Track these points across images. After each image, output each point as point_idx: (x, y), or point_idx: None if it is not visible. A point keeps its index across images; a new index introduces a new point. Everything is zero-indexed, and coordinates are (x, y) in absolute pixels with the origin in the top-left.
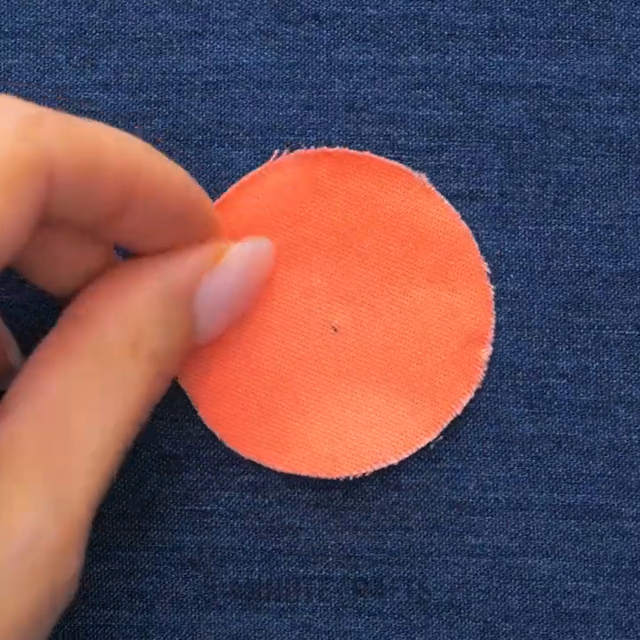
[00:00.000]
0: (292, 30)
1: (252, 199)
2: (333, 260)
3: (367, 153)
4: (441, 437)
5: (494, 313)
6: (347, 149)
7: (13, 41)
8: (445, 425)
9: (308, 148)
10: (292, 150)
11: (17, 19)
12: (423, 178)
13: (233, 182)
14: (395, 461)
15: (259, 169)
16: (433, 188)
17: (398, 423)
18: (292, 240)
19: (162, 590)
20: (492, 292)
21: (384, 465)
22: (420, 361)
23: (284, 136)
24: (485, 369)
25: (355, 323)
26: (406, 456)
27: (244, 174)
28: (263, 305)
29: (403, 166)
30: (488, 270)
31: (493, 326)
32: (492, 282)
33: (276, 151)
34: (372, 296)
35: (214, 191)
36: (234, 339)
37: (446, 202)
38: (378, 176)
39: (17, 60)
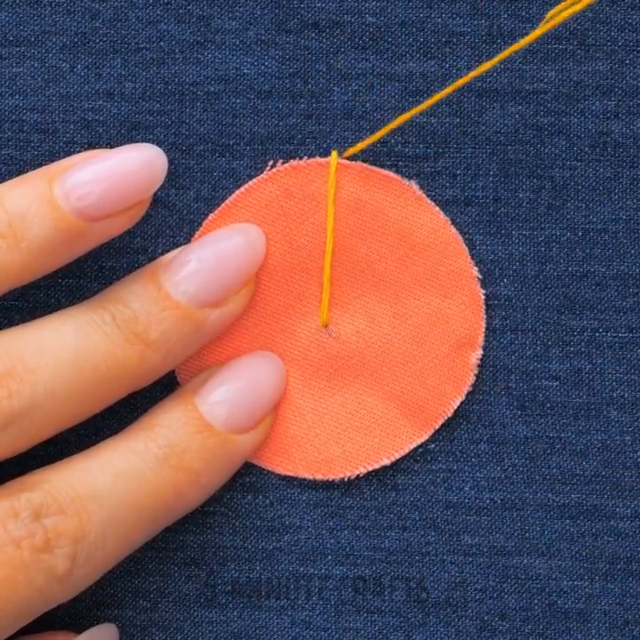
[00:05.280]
0: (292, 39)
1: (248, 210)
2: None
3: (359, 162)
4: (432, 440)
5: (486, 317)
6: (339, 159)
7: (18, 50)
8: (437, 427)
9: (308, 157)
10: (285, 161)
11: (21, 27)
12: (414, 185)
13: (234, 192)
14: (388, 462)
15: (253, 180)
16: (424, 195)
17: (391, 425)
18: (288, 248)
19: (165, 589)
20: (483, 297)
21: (377, 466)
22: (413, 364)
23: (283, 145)
24: (476, 372)
25: (349, 328)
26: (399, 457)
27: (244, 184)
28: (260, 310)
29: (394, 174)
30: (479, 275)
31: (484, 330)
32: (485, 286)
33: (270, 162)
34: (366, 302)
35: (215, 201)
36: (231, 344)
37: (437, 208)
38: (369, 185)
39: (21, 69)
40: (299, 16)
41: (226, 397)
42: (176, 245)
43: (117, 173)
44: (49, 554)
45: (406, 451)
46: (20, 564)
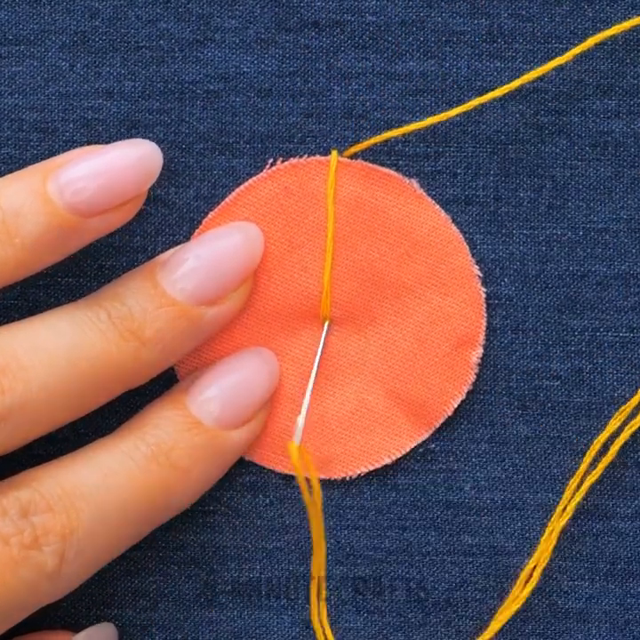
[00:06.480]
0: (292, 38)
1: (248, 208)
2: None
3: (359, 161)
4: (433, 439)
5: (487, 316)
6: (339, 157)
7: (17, 48)
8: (437, 426)
9: (308, 155)
10: (285, 160)
11: (21, 26)
12: (414, 184)
13: (234, 190)
14: (388, 461)
15: (253, 178)
16: (424, 194)
17: (392, 424)
18: (288, 247)
19: (165, 589)
20: (484, 295)
21: (378, 465)
22: (413, 363)
23: (283, 144)
24: (476, 371)
25: (349, 326)
26: (399, 456)
27: (244, 182)
28: (260, 309)
29: (394, 173)
30: (479, 274)
31: (484, 329)
32: (486, 285)
33: (270, 160)
34: (366, 300)
35: (215, 199)
36: (231, 342)
37: (437, 206)
38: (370, 183)
39: (21, 68)
40: (299, 15)
41: (215, 394)
42: (175, 244)
43: (112, 169)
44: (37, 551)
45: (407, 449)
46: (9, 560)
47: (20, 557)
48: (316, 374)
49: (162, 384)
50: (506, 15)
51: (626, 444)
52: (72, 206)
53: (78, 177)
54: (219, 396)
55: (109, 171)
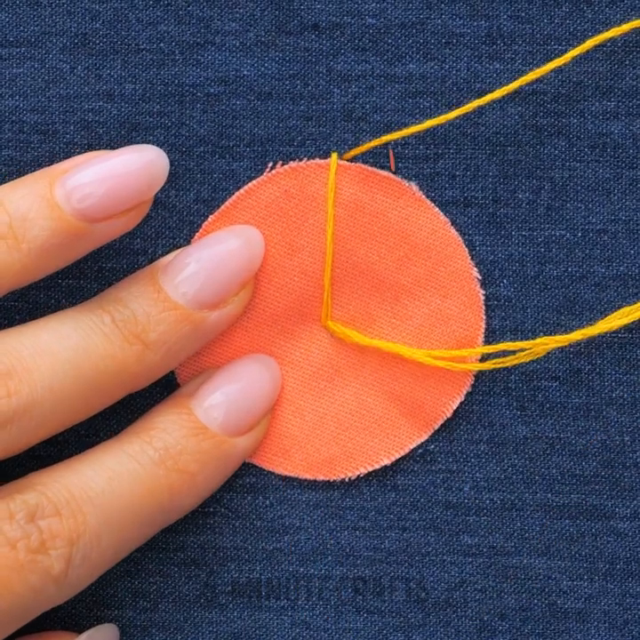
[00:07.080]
0: (292, 41)
1: (248, 211)
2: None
3: (359, 164)
4: (432, 440)
5: (486, 317)
6: (339, 160)
7: (18, 50)
8: (436, 427)
9: (308, 158)
10: (285, 163)
11: (22, 28)
12: (414, 186)
13: (234, 193)
14: (388, 462)
15: (253, 182)
16: (423, 196)
17: (391, 425)
18: (288, 250)
19: (165, 590)
20: (483, 298)
21: (377, 466)
22: (412, 365)
23: (283, 147)
24: (475, 373)
25: (349, 328)
26: (398, 457)
27: (244, 185)
28: (260, 312)
29: (394, 175)
30: (478, 276)
31: (484, 331)
32: (485, 287)
33: (270, 163)
34: (366, 302)
35: (215, 202)
36: (232, 346)
37: (436, 209)
38: (369, 186)
39: (21, 70)
40: (299, 17)
41: (222, 400)
42: (176, 247)
43: (118, 175)
44: (44, 555)
45: (406, 451)
46: (16, 564)
47: (26, 561)
48: (316, 376)
49: (161, 387)
50: (505, 17)
51: (624, 445)
52: (79, 212)
53: (85, 182)
54: (225, 403)
55: (116, 176)
